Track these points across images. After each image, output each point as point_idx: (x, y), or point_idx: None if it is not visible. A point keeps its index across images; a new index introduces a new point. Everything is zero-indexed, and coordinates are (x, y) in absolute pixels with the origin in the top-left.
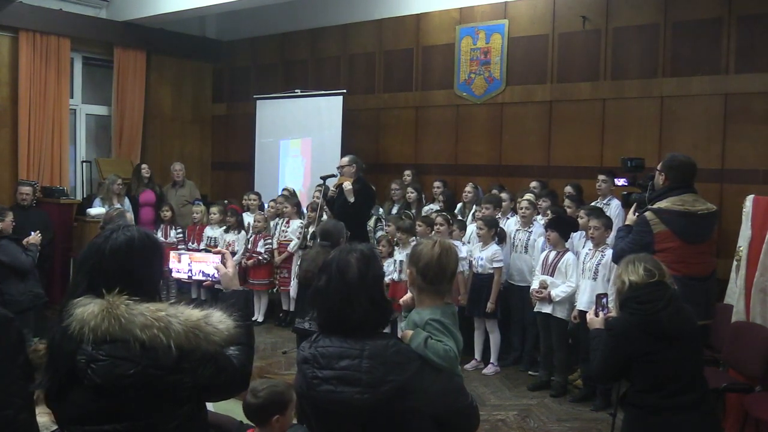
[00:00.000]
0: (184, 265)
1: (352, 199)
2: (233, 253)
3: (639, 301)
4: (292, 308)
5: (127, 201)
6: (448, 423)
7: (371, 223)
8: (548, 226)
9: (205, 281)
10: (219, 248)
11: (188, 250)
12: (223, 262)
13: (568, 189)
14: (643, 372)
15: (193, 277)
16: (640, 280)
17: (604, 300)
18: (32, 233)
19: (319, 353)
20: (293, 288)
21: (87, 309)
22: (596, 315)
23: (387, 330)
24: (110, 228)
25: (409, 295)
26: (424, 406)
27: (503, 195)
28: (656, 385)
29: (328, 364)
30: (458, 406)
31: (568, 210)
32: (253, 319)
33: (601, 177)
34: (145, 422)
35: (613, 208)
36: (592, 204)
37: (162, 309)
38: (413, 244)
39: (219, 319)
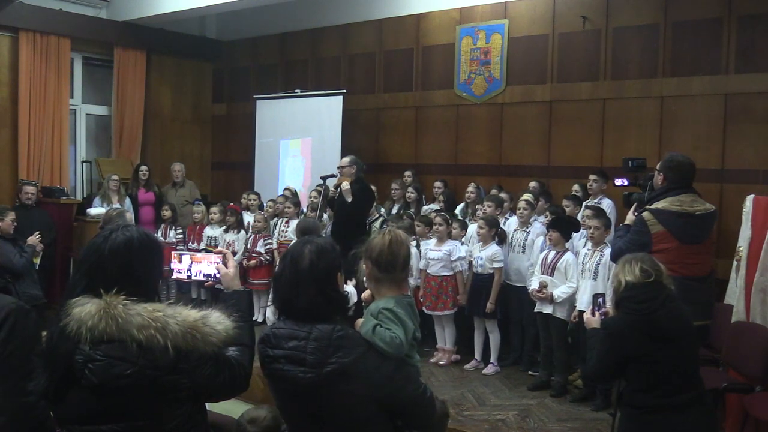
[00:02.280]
0: (185, 265)
1: (349, 199)
2: (234, 253)
3: (635, 300)
4: None
5: (127, 201)
6: (402, 412)
7: (377, 224)
8: (550, 226)
9: (206, 282)
10: (219, 248)
11: (188, 250)
12: (224, 262)
13: (576, 188)
14: (640, 372)
15: (194, 278)
16: (636, 280)
17: (601, 300)
18: (36, 233)
19: (273, 334)
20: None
21: (84, 309)
22: (593, 314)
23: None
24: (110, 228)
25: (368, 291)
26: (367, 389)
27: (503, 195)
28: (652, 385)
29: (279, 344)
30: (406, 394)
31: (567, 209)
32: (254, 318)
33: (592, 177)
34: (143, 422)
35: (604, 207)
36: (584, 203)
37: (160, 309)
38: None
39: (217, 320)
